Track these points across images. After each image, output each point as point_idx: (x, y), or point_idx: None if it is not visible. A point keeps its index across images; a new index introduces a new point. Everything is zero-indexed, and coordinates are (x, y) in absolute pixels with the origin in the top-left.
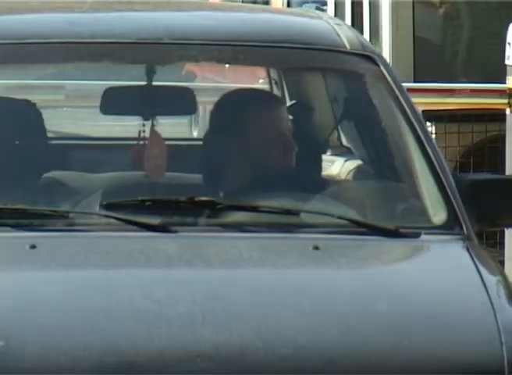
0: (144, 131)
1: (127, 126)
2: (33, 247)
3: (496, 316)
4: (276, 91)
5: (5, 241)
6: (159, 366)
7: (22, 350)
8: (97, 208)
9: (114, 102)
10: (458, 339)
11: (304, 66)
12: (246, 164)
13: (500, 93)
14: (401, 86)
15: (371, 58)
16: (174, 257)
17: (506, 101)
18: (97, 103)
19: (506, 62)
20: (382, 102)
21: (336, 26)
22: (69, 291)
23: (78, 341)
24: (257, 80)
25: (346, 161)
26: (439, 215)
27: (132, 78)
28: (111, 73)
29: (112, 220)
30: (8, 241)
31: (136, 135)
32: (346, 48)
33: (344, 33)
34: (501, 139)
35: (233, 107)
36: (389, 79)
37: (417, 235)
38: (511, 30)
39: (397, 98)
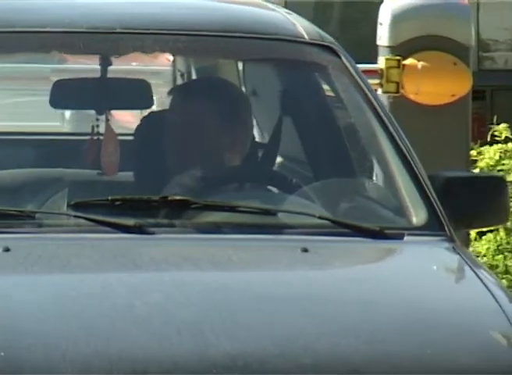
0: (97, 126)
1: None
2: (6, 250)
3: (509, 320)
4: None
5: None
6: None
7: (25, 361)
8: (64, 208)
9: (65, 95)
10: (479, 346)
11: (262, 56)
12: (217, 162)
13: (372, 73)
14: (364, 78)
15: (331, 48)
16: (161, 260)
17: (377, 81)
18: None
19: (378, 42)
20: (348, 96)
21: (288, 16)
22: (61, 297)
23: (85, 350)
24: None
25: None
26: (419, 215)
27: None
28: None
29: (82, 221)
30: None
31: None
32: (304, 38)
33: (300, 23)
34: None
35: (195, 100)
36: (352, 71)
37: (400, 236)
38: (383, 10)
39: (363, 91)
